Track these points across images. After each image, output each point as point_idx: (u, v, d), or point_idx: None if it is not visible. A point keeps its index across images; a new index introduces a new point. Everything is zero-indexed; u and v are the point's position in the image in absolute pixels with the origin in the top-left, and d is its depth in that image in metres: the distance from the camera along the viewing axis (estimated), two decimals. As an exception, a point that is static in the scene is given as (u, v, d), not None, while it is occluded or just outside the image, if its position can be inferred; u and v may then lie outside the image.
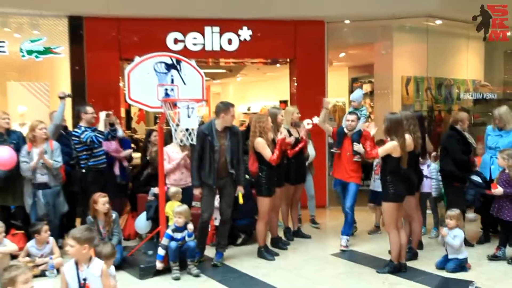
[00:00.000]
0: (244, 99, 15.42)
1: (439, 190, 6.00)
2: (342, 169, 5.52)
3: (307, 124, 7.16)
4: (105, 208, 4.84)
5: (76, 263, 3.09)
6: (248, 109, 14.84)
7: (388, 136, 4.64)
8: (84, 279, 3.03)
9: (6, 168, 5.08)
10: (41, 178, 5.07)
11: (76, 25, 7.34)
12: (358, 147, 5.22)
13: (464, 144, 5.56)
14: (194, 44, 7.40)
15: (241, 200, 5.00)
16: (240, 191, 4.95)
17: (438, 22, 8.05)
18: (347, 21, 8.09)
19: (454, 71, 9.32)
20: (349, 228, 5.56)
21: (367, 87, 11.25)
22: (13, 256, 4.58)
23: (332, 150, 5.89)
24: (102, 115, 5.49)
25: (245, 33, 7.53)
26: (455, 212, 4.88)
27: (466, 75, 9.39)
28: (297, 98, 7.92)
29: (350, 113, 5.66)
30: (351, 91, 12.13)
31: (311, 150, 6.35)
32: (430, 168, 5.95)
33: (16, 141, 5.39)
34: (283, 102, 10.37)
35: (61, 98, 5.73)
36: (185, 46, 7.37)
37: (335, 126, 6.33)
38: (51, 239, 4.80)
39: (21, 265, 3.04)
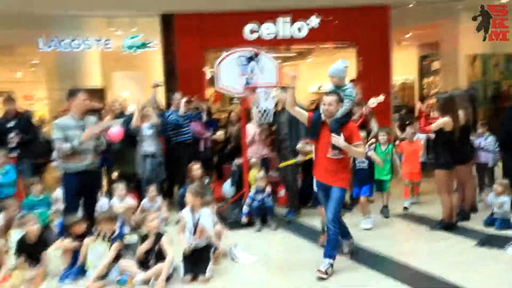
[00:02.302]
0: (315, 79, 16.08)
1: (495, 160, 6.49)
2: (322, 168, 4.25)
3: (372, 103, 7.82)
4: (198, 173, 5.99)
5: (192, 209, 4.25)
6: (319, 88, 15.50)
7: (441, 113, 5.27)
8: (197, 220, 4.19)
9: (117, 139, 6.34)
10: (149, 148, 6.31)
11: (167, 21, 8.54)
12: (336, 139, 4.03)
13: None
14: (268, 34, 8.31)
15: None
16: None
17: (504, -1, 8.23)
18: (411, 5, 8.54)
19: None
20: (333, 248, 4.22)
21: (435, 65, 11.50)
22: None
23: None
24: (182, 101, 6.63)
25: (314, 21, 8.30)
26: (504, 181, 5.46)
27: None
28: (362, 79, 8.59)
29: (329, 93, 4.24)
30: (420, 69, 12.43)
31: (374, 126, 7.05)
32: (488, 141, 6.44)
33: (127, 121, 6.68)
34: (354, 81, 10.99)
35: (154, 87, 6.93)
36: (259, 35, 8.31)
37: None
38: (159, 198, 6.04)
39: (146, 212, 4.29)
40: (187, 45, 8.43)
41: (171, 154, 6.72)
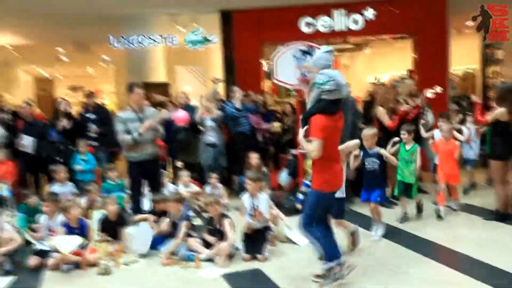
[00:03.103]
0: (372, 70, 15.95)
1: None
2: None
3: (428, 93, 7.82)
4: (256, 162, 6.38)
5: (251, 195, 4.67)
6: (376, 79, 15.36)
7: (499, 103, 5.30)
8: (256, 205, 4.60)
9: (183, 123, 6.78)
10: (211, 139, 6.78)
11: (226, 17, 8.95)
12: (300, 133, 3.60)
13: None
14: (324, 27, 8.49)
15: None
16: None
17: None
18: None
19: None
20: (325, 252, 3.74)
21: (499, 53, 11.10)
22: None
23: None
24: (239, 95, 7.00)
25: (369, 13, 8.39)
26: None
27: None
28: (419, 69, 8.58)
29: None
30: (483, 58, 12.02)
31: (430, 117, 7.07)
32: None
33: (191, 112, 7.20)
34: (412, 71, 10.92)
35: (214, 82, 7.37)
36: (315, 29, 8.52)
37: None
38: (220, 185, 6.50)
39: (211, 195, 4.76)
40: (245, 40, 8.79)
41: (231, 144, 7.16)
